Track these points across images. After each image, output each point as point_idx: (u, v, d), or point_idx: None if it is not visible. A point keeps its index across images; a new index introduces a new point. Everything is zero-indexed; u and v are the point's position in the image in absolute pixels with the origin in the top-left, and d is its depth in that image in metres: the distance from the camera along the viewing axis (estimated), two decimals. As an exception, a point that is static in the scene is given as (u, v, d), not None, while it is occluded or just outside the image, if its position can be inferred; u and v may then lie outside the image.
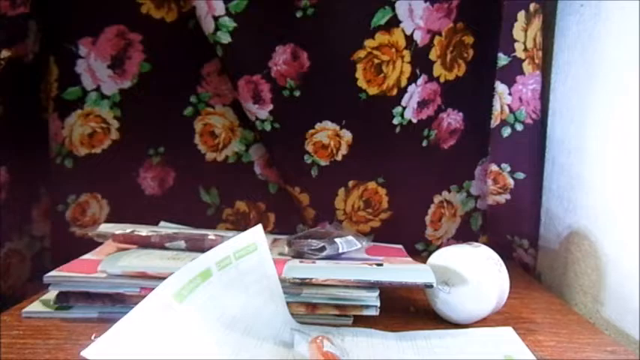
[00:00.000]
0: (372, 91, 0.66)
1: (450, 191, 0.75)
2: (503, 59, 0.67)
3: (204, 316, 0.38)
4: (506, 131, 0.70)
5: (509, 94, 0.68)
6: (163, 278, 0.37)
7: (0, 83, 0.60)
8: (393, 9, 0.64)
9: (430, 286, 0.47)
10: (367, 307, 0.48)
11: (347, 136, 0.69)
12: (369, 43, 0.64)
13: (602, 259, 0.55)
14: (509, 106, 0.69)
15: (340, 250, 0.55)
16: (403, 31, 0.65)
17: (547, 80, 0.68)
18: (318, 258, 0.54)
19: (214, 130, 0.71)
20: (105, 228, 0.56)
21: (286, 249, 0.56)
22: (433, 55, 0.68)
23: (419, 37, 0.66)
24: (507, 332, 0.46)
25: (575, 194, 0.62)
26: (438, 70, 0.69)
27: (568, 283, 0.62)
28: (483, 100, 0.70)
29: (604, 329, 0.51)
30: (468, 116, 0.73)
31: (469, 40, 0.70)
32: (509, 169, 0.71)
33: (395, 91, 0.67)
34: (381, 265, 0.52)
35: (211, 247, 0.42)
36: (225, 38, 0.62)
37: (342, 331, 0.46)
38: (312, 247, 0.54)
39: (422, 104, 0.70)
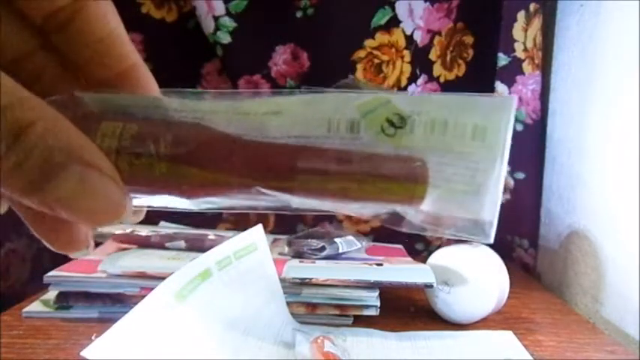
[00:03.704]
0: (372, 91, 0.66)
1: (450, 191, 0.75)
2: (503, 59, 0.67)
3: (204, 316, 0.38)
4: (506, 131, 0.70)
5: (509, 94, 0.68)
6: (163, 278, 0.37)
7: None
8: (393, 9, 0.64)
9: (430, 286, 0.47)
10: (367, 307, 0.48)
11: (347, 136, 0.69)
12: (369, 43, 0.64)
13: (602, 259, 0.55)
14: (509, 106, 0.69)
15: (340, 250, 0.55)
16: (403, 31, 0.65)
17: (547, 80, 0.68)
18: (318, 258, 0.54)
19: (214, 130, 0.71)
20: (105, 228, 0.56)
21: (286, 249, 0.56)
22: (433, 55, 0.68)
23: (419, 37, 0.66)
24: (507, 336, 0.46)
25: (575, 194, 0.62)
26: (438, 70, 0.69)
27: (568, 283, 0.62)
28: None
29: (604, 329, 0.51)
30: (468, 116, 0.73)
31: (469, 40, 0.70)
32: (509, 169, 0.71)
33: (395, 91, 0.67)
34: (381, 265, 0.52)
35: (211, 247, 0.42)
36: (225, 38, 0.62)
37: (343, 331, 0.46)
38: (312, 247, 0.54)
39: (422, 104, 0.70)
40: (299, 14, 0.64)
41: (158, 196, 0.17)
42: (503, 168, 0.16)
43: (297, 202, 0.17)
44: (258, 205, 0.17)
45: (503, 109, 0.16)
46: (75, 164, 0.14)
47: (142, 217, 0.21)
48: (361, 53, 0.65)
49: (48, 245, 0.19)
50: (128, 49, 0.19)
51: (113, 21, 0.18)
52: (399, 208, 0.16)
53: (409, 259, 0.58)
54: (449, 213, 0.16)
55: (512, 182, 0.70)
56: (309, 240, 0.55)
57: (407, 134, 0.16)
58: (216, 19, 0.61)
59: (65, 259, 0.50)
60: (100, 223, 0.16)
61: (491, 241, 0.16)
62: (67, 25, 0.17)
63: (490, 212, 0.16)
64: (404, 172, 0.16)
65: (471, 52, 0.70)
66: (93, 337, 0.33)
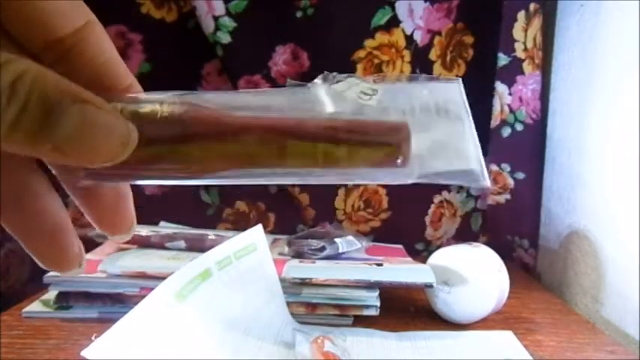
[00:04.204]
0: (372, 91, 0.66)
1: (449, 191, 0.75)
2: (503, 59, 0.67)
3: (204, 316, 0.38)
4: (506, 131, 0.70)
5: (509, 94, 0.68)
6: (163, 278, 0.37)
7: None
8: (393, 9, 0.64)
9: (430, 286, 0.47)
10: (367, 307, 0.48)
11: (347, 136, 0.69)
12: (369, 43, 0.64)
13: (602, 259, 0.55)
14: (509, 106, 0.69)
15: (340, 250, 0.55)
16: (403, 31, 0.65)
17: (547, 80, 0.68)
18: (318, 258, 0.54)
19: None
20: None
21: (286, 249, 0.56)
22: (433, 55, 0.68)
23: (419, 37, 0.66)
24: (507, 336, 0.46)
25: (575, 194, 0.62)
26: (438, 70, 0.69)
27: (568, 283, 0.62)
28: (483, 100, 0.70)
29: (604, 329, 0.51)
30: (467, 116, 0.73)
31: (469, 40, 0.70)
32: (509, 169, 0.71)
33: (395, 91, 0.67)
34: (381, 265, 0.52)
35: (211, 247, 0.42)
36: (225, 38, 0.62)
37: (343, 331, 0.46)
38: (312, 247, 0.54)
39: (422, 104, 0.70)
40: (299, 14, 0.64)
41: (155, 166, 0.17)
42: (472, 125, 0.19)
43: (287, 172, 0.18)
44: (249, 176, 0.18)
45: (453, 87, 0.20)
46: (72, 103, 0.15)
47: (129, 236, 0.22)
48: (361, 53, 0.65)
49: (40, 263, 0.19)
50: (124, 70, 0.19)
51: (109, 44, 0.18)
52: (386, 170, 0.18)
53: (409, 259, 0.58)
54: (440, 169, 0.18)
55: (512, 182, 0.70)
56: (309, 240, 0.55)
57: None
58: (216, 19, 0.61)
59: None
60: (109, 157, 0.16)
61: (489, 184, 0.19)
62: (66, 55, 0.17)
63: (476, 162, 0.18)
64: (388, 134, 0.17)
65: (471, 52, 0.70)
66: (93, 337, 0.33)
